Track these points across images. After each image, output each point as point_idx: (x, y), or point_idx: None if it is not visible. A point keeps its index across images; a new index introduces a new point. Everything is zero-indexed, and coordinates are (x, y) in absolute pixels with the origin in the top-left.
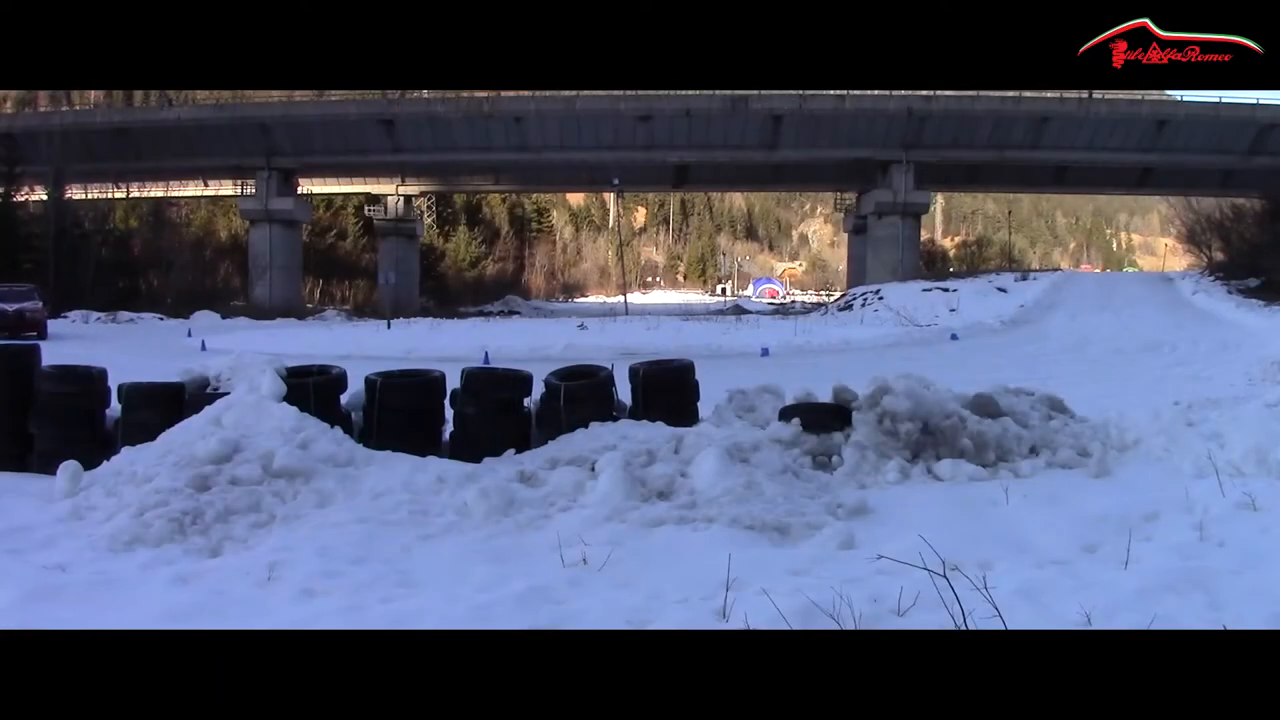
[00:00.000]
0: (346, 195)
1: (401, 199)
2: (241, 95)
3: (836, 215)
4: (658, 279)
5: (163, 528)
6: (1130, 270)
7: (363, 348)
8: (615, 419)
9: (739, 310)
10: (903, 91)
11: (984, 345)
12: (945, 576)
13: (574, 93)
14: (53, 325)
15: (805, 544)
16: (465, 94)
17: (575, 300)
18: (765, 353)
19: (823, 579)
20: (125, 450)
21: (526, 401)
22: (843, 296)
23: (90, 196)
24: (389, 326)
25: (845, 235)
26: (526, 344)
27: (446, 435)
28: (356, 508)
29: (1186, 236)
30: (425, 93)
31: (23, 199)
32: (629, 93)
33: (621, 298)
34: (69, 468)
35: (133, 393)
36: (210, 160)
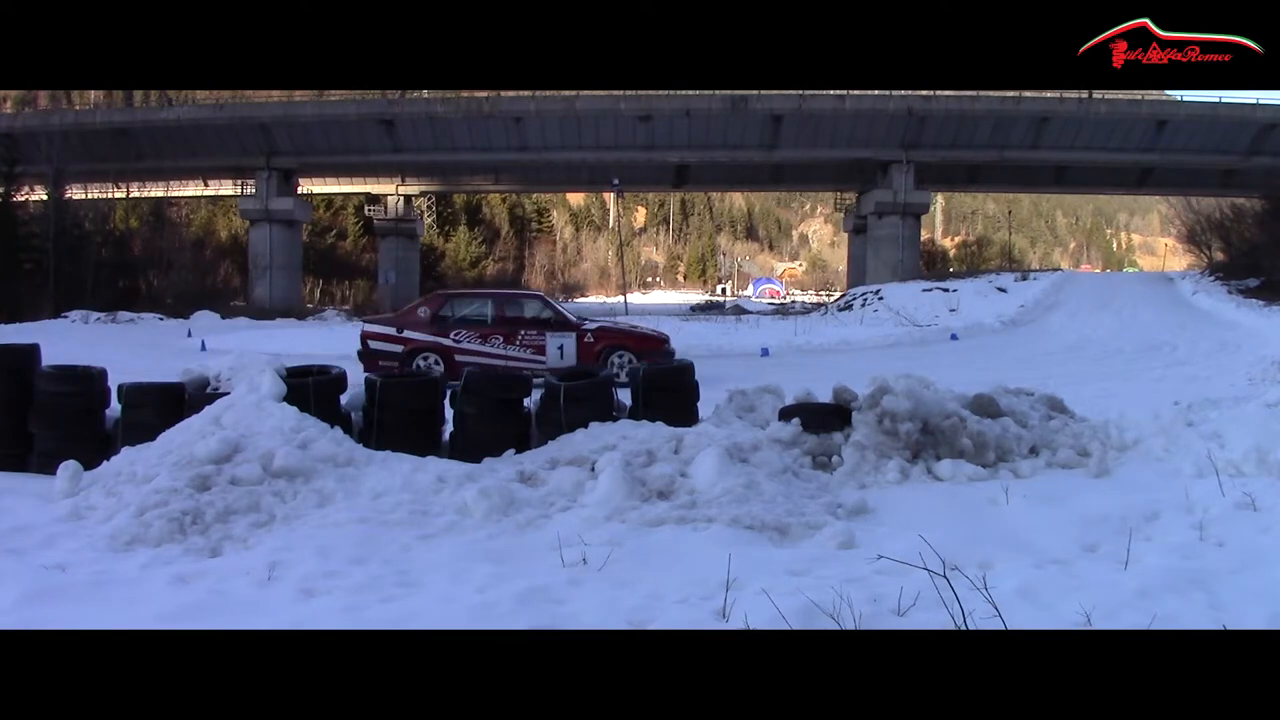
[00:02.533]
0: (346, 195)
1: (401, 199)
2: (241, 95)
3: (836, 215)
4: (658, 279)
5: (163, 528)
6: (1130, 270)
7: None
8: (615, 419)
9: (739, 310)
10: (903, 91)
11: (984, 345)
12: (945, 576)
13: (574, 93)
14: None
15: (805, 544)
16: (465, 94)
17: (575, 300)
18: (765, 353)
19: (823, 579)
20: (125, 450)
21: (526, 401)
22: (843, 296)
23: (90, 196)
24: None
25: (845, 235)
26: None
27: (446, 435)
28: (356, 508)
29: (1186, 236)
30: (425, 93)
31: (23, 199)
32: (629, 93)
33: (621, 298)
34: (69, 468)
35: (133, 393)
36: (210, 160)
